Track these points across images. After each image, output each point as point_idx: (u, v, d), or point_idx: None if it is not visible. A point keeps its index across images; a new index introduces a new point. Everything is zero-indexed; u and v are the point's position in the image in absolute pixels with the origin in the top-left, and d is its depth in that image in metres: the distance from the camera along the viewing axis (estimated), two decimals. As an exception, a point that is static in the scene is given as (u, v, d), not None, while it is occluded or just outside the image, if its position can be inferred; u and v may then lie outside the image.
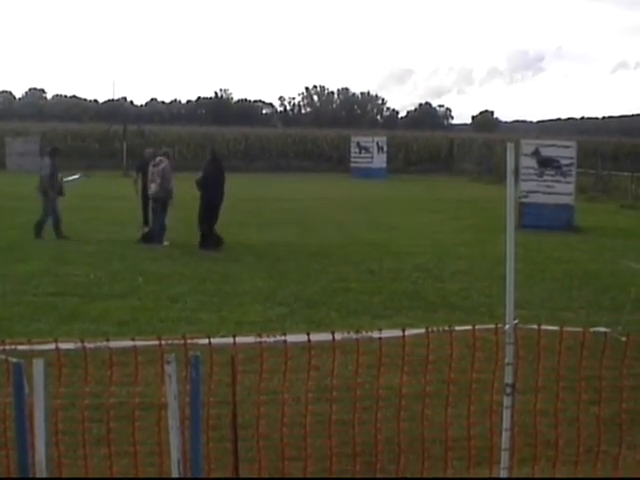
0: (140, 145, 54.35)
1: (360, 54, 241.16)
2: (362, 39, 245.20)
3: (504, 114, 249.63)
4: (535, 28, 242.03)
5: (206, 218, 20.18)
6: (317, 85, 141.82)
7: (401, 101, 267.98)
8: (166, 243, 20.55)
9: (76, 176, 22.15)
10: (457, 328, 6.22)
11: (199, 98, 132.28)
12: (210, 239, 20.08)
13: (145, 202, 22.04)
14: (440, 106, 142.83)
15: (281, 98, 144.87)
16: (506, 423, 6.06)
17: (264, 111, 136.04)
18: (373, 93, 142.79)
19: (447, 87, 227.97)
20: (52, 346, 5.72)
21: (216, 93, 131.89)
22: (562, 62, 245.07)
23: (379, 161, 59.12)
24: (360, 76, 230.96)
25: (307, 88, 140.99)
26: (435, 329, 6.12)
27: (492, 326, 6.20)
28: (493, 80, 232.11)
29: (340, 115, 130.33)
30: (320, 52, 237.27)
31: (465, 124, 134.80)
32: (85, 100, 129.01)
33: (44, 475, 5.22)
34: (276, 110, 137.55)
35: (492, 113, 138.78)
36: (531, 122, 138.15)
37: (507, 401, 6.06)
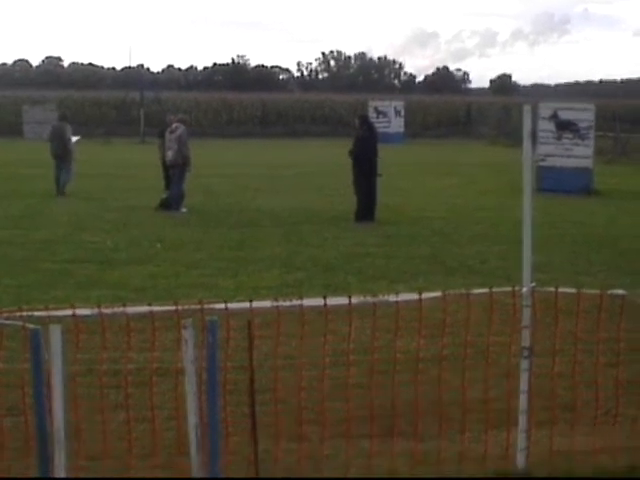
0: (158, 112, 54.29)
1: (377, 18, 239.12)
2: (379, 2, 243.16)
3: (523, 78, 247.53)
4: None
5: (362, 187, 19.15)
6: (334, 50, 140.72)
7: (422, 64, 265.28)
8: (184, 210, 20.57)
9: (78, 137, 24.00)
10: (474, 291, 6.19)
11: (215, 64, 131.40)
12: (366, 210, 19.06)
13: (166, 168, 21.98)
14: (458, 70, 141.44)
15: (298, 63, 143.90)
16: (523, 386, 6.06)
17: (281, 77, 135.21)
18: (390, 57, 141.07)
19: (470, 50, 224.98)
20: (69, 312, 5.74)
21: (233, 59, 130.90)
22: (588, 24, 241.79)
23: (396, 126, 58.83)
24: (377, 40, 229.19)
25: (324, 53, 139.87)
26: (452, 292, 6.10)
27: (509, 289, 6.18)
28: (516, 43, 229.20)
29: (357, 80, 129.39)
30: (336, 16, 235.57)
31: (483, 88, 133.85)
32: (102, 68, 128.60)
33: (62, 440, 5.25)
34: (293, 76, 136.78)
35: (510, 77, 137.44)
36: (549, 86, 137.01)
37: (524, 364, 6.05)
